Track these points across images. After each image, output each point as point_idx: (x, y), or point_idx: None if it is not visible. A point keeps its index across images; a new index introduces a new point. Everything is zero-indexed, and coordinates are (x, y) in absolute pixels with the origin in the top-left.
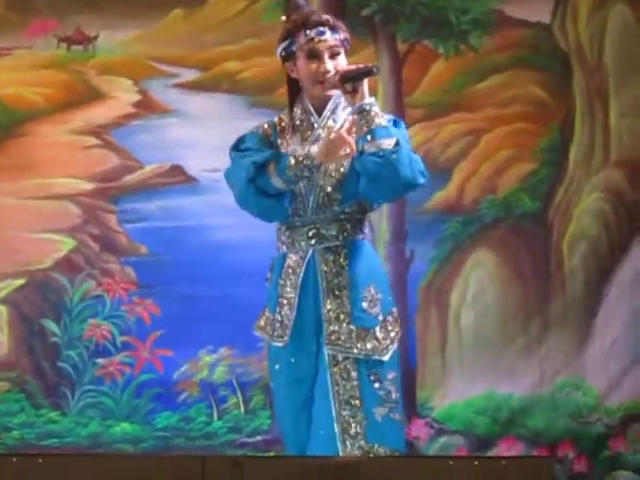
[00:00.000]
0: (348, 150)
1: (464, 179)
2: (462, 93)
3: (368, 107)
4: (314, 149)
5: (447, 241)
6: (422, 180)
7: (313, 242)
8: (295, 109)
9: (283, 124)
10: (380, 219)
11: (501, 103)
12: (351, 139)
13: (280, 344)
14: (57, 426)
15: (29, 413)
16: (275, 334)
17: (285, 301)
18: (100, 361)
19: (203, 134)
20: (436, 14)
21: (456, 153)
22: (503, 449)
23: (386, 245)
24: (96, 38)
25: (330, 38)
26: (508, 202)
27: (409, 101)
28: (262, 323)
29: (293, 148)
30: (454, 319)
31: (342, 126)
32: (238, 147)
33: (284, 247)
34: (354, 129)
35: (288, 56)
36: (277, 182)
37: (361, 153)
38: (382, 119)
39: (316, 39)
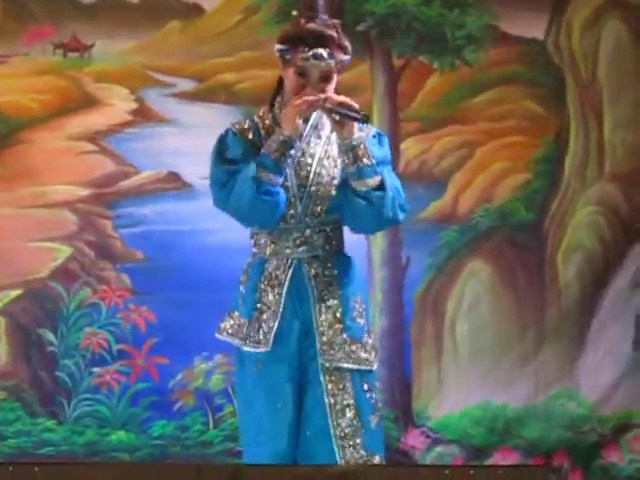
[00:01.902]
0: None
1: (459, 190)
2: (457, 107)
3: (356, 143)
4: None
5: (443, 249)
6: (402, 216)
7: (300, 250)
8: (277, 111)
9: (266, 127)
10: None
11: (495, 117)
12: (301, 101)
13: (254, 349)
14: (53, 435)
15: (25, 422)
16: (251, 339)
17: (265, 307)
18: (96, 370)
19: (200, 143)
20: (431, 29)
21: (451, 165)
22: (499, 459)
23: (382, 251)
24: (92, 46)
25: (324, 63)
26: (503, 211)
27: (404, 115)
28: (227, 326)
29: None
30: (450, 328)
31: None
32: (222, 154)
33: (263, 252)
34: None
35: (282, 58)
36: (278, 179)
37: (344, 181)
38: (369, 157)
39: (311, 61)
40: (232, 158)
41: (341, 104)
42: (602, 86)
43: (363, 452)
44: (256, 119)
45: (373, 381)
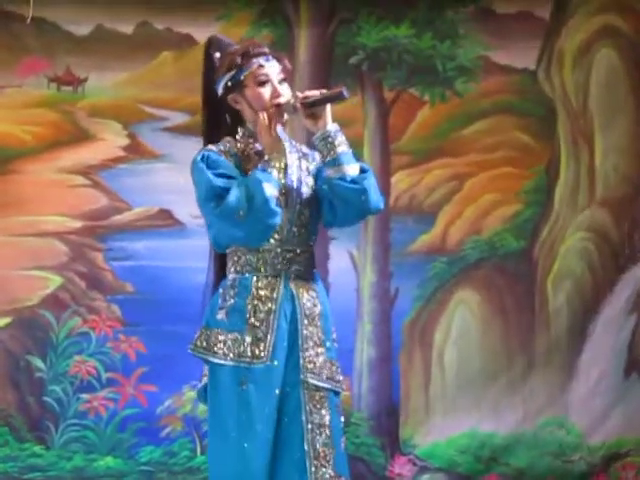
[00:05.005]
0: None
1: (448, 222)
2: (447, 139)
3: (333, 134)
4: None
5: (431, 280)
6: (382, 204)
7: (288, 268)
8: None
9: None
10: (365, 260)
11: (486, 149)
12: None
13: (250, 365)
14: (41, 460)
15: (13, 447)
16: (248, 356)
17: (258, 323)
18: (84, 396)
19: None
20: (423, 62)
21: (441, 197)
22: None
23: (371, 284)
24: (86, 80)
25: (276, 65)
26: (492, 242)
27: (395, 148)
28: (210, 344)
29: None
30: (438, 357)
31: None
32: (214, 169)
33: (252, 269)
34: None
35: (234, 86)
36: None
37: (327, 179)
38: (345, 145)
39: (266, 65)
40: (225, 173)
41: (313, 95)
42: (593, 115)
43: (332, 473)
44: (228, 145)
45: (339, 404)
